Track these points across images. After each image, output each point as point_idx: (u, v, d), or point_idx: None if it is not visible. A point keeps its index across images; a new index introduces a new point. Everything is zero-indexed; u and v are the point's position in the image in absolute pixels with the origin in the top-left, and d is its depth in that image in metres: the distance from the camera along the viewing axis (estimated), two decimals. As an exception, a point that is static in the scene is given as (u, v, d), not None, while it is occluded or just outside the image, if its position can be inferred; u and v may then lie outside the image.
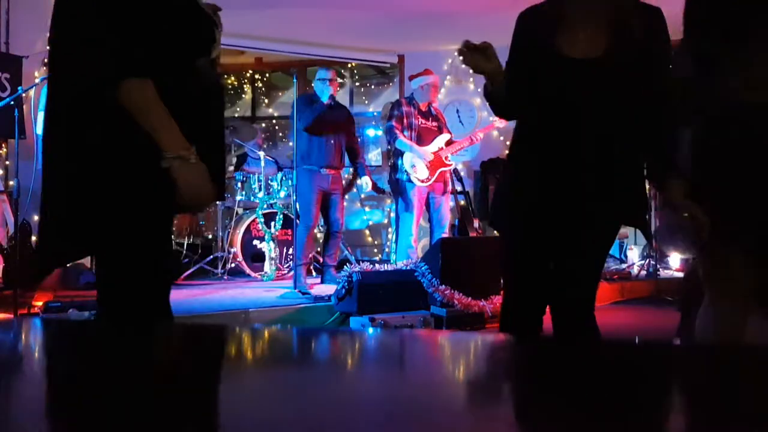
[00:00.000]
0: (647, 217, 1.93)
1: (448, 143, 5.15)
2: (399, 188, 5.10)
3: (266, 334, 1.19)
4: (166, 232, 1.59)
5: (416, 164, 5.00)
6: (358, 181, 5.36)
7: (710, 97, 1.78)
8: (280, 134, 8.33)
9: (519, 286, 1.94)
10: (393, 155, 5.20)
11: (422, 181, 5.01)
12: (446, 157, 5.10)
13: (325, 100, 4.85)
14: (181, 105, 1.47)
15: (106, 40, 1.41)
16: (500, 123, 5.16)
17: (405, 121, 5.03)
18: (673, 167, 1.80)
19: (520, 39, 1.86)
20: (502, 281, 2.14)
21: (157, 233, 1.55)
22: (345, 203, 7.56)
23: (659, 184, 1.93)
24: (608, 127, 1.75)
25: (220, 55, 1.61)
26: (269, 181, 5.51)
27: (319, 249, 6.23)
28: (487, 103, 1.95)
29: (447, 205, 5.24)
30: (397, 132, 4.98)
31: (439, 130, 5.16)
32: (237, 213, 5.68)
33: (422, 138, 5.05)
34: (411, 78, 5.26)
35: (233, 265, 5.49)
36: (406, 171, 5.00)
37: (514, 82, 1.80)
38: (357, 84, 8.42)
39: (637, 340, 3.51)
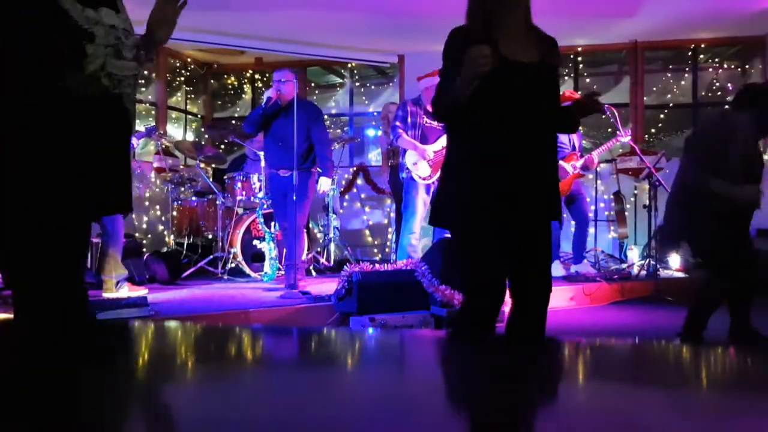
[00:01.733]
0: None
1: None
2: (402, 187, 5.11)
3: (266, 334, 1.19)
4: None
5: (418, 162, 5.02)
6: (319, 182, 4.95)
7: None
8: (280, 134, 8.32)
9: (488, 284, 2.08)
10: (398, 155, 5.22)
11: (423, 179, 5.02)
12: None
13: (263, 104, 4.78)
14: (60, 117, 1.48)
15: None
16: None
17: (410, 120, 5.06)
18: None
19: (458, 51, 2.01)
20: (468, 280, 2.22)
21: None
22: (345, 203, 7.58)
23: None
24: (543, 122, 2.07)
25: (108, 69, 1.58)
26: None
27: (319, 249, 6.23)
28: (437, 107, 2.16)
29: None
30: (400, 131, 5.01)
31: (444, 130, 5.16)
32: (237, 213, 5.68)
33: (426, 137, 5.07)
34: (419, 79, 5.27)
35: (233, 265, 5.49)
36: (408, 169, 5.02)
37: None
38: (357, 84, 8.42)
39: (637, 340, 3.51)
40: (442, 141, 5.10)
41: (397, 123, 5.05)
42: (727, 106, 3.66)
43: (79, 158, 1.51)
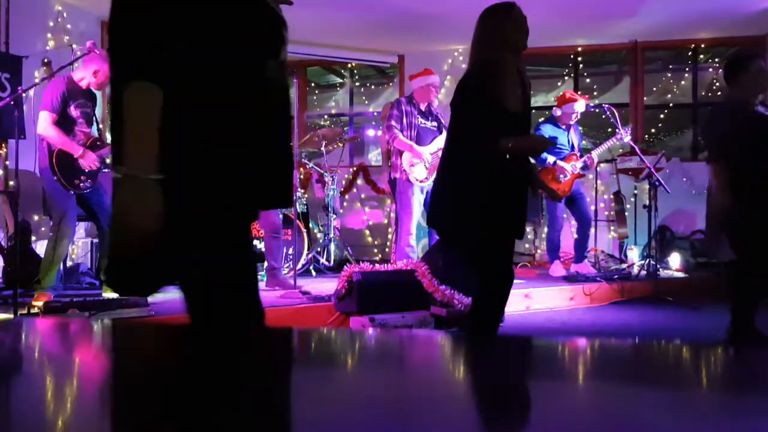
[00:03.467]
0: None
1: None
2: (398, 188, 5.09)
3: (266, 334, 1.19)
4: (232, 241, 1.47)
5: (415, 164, 5.00)
6: None
7: None
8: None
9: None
10: (393, 155, 5.19)
11: (420, 181, 5.01)
12: None
13: None
14: (240, 108, 1.40)
15: (129, 41, 1.33)
16: None
17: (405, 120, 5.02)
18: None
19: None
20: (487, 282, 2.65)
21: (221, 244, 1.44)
22: (345, 203, 7.58)
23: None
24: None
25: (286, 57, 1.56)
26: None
27: (319, 249, 6.23)
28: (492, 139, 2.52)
29: None
30: (396, 132, 4.98)
31: (439, 131, 5.14)
32: (237, 213, 5.67)
33: (422, 138, 5.05)
34: (411, 78, 5.25)
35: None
36: (404, 170, 5.00)
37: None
38: (357, 84, 8.42)
39: (636, 340, 3.50)
40: (438, 142, 5.09)
41: (393, 123, 5.00)
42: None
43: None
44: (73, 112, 4.07)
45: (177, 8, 1.36)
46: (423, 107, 5.10)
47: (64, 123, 4.01)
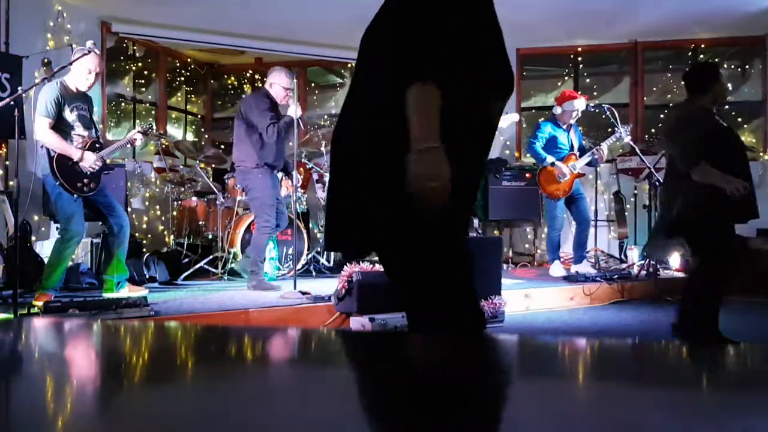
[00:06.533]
0: None
1: None
2: None
3: (266, 334, 1.19)
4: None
5: None
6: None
7: None
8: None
9: None
10: None
11: None
12: None
13: (293, 120, 4.70)
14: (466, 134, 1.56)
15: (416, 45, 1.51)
16: None
17: None
18: None
19: None
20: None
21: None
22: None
23: None
24: None
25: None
26: (269, 181, 5.50)
27: (319, 249, 6.23)
28: None
29: None
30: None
31: None
32: (237, 213, 5.68)
33: None
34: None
35: (233, 265, 5.49)
36: None
37: None
38: (357, 84, 8.41)
39: (636, 340, 3.50)
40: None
41: None
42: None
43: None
44: (69, 116, 4.06)
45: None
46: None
47: (60, 127, 4.01)
